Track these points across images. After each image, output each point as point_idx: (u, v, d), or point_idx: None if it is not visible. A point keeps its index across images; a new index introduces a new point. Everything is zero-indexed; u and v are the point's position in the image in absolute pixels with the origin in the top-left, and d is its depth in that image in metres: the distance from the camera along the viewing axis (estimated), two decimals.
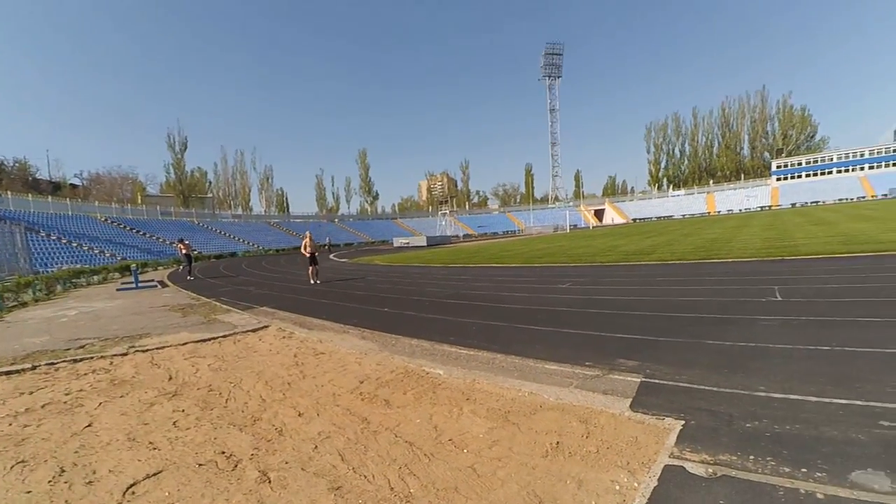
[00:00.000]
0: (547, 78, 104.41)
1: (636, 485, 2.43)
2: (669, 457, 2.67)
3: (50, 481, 2.92)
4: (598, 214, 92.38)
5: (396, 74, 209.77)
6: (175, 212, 58.67)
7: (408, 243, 46.81)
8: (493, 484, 2.56)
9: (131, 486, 2.79)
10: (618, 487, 2.43)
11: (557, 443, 2.99)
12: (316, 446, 3.18)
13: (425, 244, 44.28)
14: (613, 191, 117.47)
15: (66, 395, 4.75)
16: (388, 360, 5.28)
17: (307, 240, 14.94)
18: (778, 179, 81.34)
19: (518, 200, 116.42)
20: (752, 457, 2.59)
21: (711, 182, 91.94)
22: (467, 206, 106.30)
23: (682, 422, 3.13)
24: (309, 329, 7.46)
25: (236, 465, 2.96)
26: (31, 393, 4.87)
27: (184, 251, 19.81)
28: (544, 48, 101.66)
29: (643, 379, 4.03)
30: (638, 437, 3.00)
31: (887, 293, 6.58)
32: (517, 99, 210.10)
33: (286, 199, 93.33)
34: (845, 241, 13.56)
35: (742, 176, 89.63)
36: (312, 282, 14.55)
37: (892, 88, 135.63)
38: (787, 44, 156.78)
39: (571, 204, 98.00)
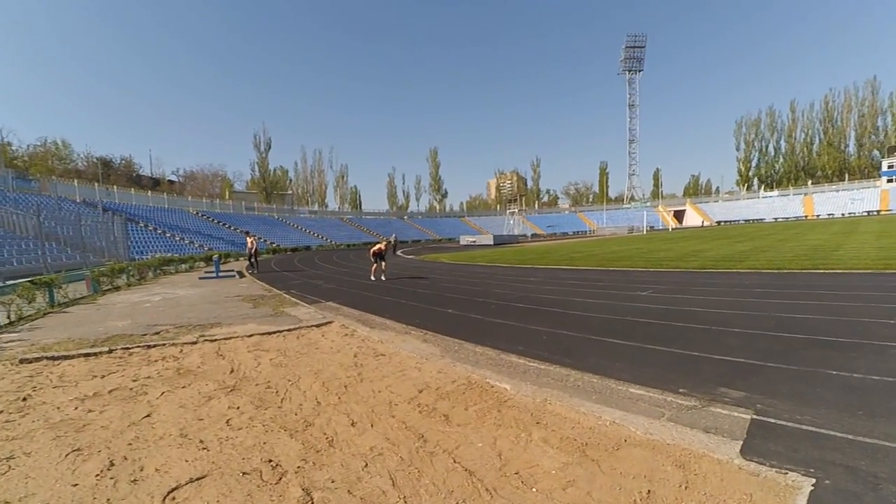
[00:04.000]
0: (627, 72, 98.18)
1: None
2: None
3: (98, 475, 2.84)
4: (678, 216, 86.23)
5: (468, 71, 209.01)
6: (258, 207, 62.99)
7: (474, 241, 46.34)
8: None
9: (173, 489, 2.63)
10: None
11: (649, 491, 2.42)
12: (366, 464, 2.85)
13: (492, 243, 43.43)
14: (696, 191, 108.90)
15: (134, 381, 4.87)
16: (450, 368, 4.89)
17: (383, 244, 14.89)
18: (889, 181, 70.26)
19: (591, 200, 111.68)
20: None
21: (810, 182, 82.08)
22: (536, 205, 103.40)
23: (813, 479, 2.43)
24: (371, 327, 7.29)
25: (280, 479, 2.70)
26: (103, 377, 5.05)
27: (248, 246, 19.72)
28: (625, 40, 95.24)
29: (754, 416, 3.30)
30: (753, 494, 2.35)
31: None
32: (592, 92, 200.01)
33: (359, 196, 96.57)
34: None
35: (846, 176, 79.13)
36: (373, 279, 14.45)
37: None
38: None
39: (649, 204, 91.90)
